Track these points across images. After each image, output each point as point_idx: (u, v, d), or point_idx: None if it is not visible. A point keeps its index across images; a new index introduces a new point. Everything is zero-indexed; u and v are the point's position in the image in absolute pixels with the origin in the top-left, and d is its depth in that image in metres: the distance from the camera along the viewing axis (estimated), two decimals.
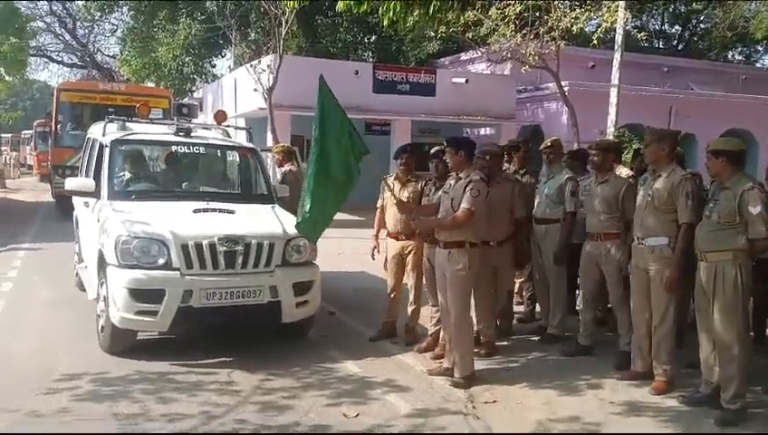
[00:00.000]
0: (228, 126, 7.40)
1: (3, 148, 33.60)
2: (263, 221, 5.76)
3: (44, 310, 6.72)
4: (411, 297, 5.95)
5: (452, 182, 5.01)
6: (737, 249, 4.19)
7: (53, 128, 15.09)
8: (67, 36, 31.33)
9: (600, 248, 5.31)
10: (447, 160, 5.07)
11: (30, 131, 32.00)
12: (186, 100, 20.56)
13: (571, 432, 3.84)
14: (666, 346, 4.73)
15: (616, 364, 5.25)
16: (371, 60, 21.92)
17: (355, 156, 5.02)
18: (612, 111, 15.27)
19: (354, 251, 10.55)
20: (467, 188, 4.82)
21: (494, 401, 4.65)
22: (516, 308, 6.82)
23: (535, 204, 6.10)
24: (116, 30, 30.28)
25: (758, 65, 29.53)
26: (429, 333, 5.73)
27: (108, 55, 32.99)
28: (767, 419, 4.28)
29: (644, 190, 4.82)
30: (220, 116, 7.07)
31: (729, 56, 28.76)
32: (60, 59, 32.79)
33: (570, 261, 5.82)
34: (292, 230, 5.52)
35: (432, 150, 5.41)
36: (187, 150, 6.59)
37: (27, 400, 4.37)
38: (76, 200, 7.36)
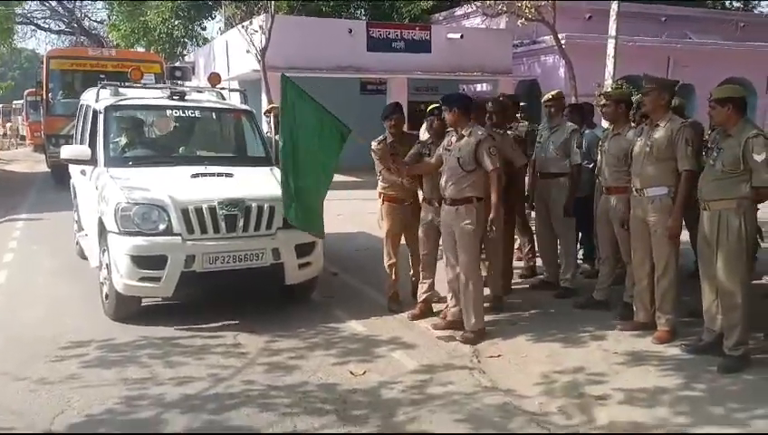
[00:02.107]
0: (222, 88, 7.30)
1: None
2: (262, 184, 5.72)
3: (47, 279, 6.73)
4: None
5: (453, 139, 4.96)
6: (741, 197, 4.17)
7: (44, 97, 14.88)
8: (53, 2, 30.73)
9: (609, 202, 5.29)
10: (445, 118, 5.01)
11: (21, 101, 31.61)
12: (186, 65, 20.27)
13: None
14: (668, 296, 4.75)
15: (620, 316, 5.29)
16: (364, 18, 21.55)
17: (341, 137, 5.19)
18: (610, 63, 15.07)
19: (353, 212, 10.57)
20: (483, 151, 4.80)
21: (499, 356, 4.70)
22: (516, 264, 6.83)
23: (538, 158, 6.06)
24: None
25: (756, 12, 29.05)
26: (420, 299, 5.62)
27: (95, 21, 32.44)
28: None
29: (642, 140, 4.78)
30: (214, 78, 6.96)
31: (727, 4, 28.29)
32: (47, 26, 32.22)
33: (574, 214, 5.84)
34: None
35: (428, 108, 5.33)
36: (182, 114, 6.51)
37: (36, 367, 4.39)
38: (73, 169, 7.30)
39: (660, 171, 4.64)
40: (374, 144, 5.64)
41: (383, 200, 5.74)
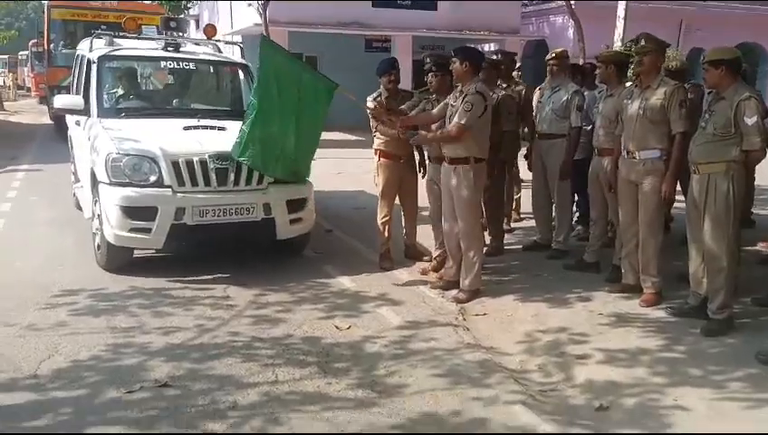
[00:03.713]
0: (218, 41, 7.21)
1: (1, 70, 33.03)
2: None
3: (43, 229, 6.77)
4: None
5: (457, 94, 4.90)
6: (731, 160, 4.12)
7: (46, 47, 14.77)
8: None
9: (601, 164, 5.25)
10: (453, 70, 4.90)
11: (26, 52, 31.37)
12: (181, 17, 19.99)
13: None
14: (654, 259, 4.74)
15: (608, 278, 5.30)
16: None
17: (328, 92, 5.23)
18: (620, 24, 14.78)
19: (354, 171, 10.54)
20: (462, 102, 4.74)
21: (485, 314, 4.74)
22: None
23: (538, 118, 6.01)
24: None
25: None
26: (435, 256, 5.71)
27: None
28: (754, 329, 4.33)
29: (634, 103, 4.70)
30: (209, 30, 6.88)
31: None
32: None
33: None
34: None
35: (425, 65, 5.24)
36: (176, 66, 6.46)
37: (26, 314, 4.46)
38: (69, 120, 7.29)
39: (653, 134, 4.58)
40: (369, 101, 5.59)
41: (379, 157, 5.71)
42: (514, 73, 7.25)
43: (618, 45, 14.61)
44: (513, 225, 7.09)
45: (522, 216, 7.46)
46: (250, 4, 14.36)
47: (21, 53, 35.38)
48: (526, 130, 6.44)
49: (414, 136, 5.26)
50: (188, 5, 23.62)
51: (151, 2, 22.02)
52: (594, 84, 6.91)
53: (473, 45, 17.50)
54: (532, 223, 6.65)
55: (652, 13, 16.73)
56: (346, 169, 10.54)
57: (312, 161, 5.55)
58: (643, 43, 4.62)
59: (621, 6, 14.60)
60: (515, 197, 7.35)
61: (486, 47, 18.69)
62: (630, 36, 14.93)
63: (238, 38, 16.32)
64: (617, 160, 4.89)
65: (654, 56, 4.61)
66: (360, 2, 15.29)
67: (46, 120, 16.87)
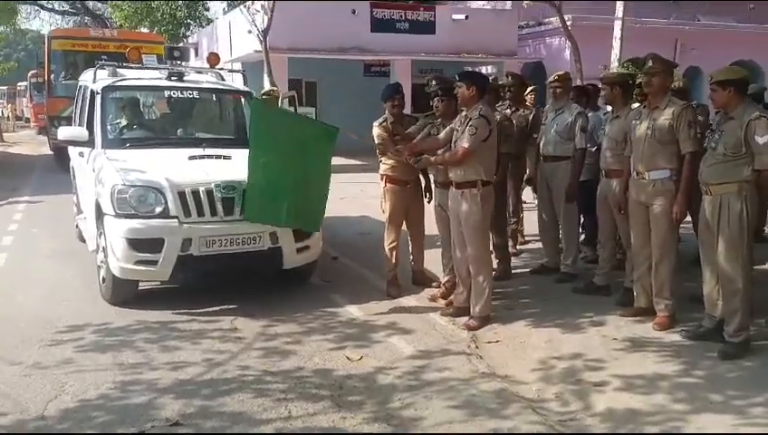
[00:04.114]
0: (222, 69, 7.22)
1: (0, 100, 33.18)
2: None
3: (46, 262, 6.71)
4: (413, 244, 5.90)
5: (462, 119, 4.88)
6: (743, 181, 4.09)
7: (46, 78, 14.81)
8: None
9: (609, 186, 5.21)
10: (458, 95, 4.88)
11: (25, 83, 31.52)
12: (185, 45, 20.15)
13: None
14: (667, 282, 4.69)
15: (619, 301, 5.24)
16: None
17: (329, 137, 5.31)
18: (616, 44, 14.88)
19: (357, 196, 10.51)
20: (467, 126, 4.73)
21: (497, 341, 4.67)
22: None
23: (543, 140, 5.99)
24: None
25: None
26: (444, 282, 5.64)
27: (99, 1, 32.19)
28: None
29: (642, 123, 4.68)
30: (213, 59, 6.89)
31: None
32: (51, 6, 32.04)
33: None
34: None
35: (431, 89, 5.22)
36: (180, 95, 6.44)
37: (31, 351, 4.38)
38: (72, 150, 7.26)
39: (662, 154, 4.55)
40: (375, 127, 5.57)
41: (385, 182, 5.68)
42: (528, 97, 7.27)
43: (615, 65, 14.71)
44: (518, 247, 7.03)
45: (526, 238, 7.40)
46: (250, 32, 14.44)
47: (19, 83, 35.57)
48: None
49: (419, 160, 5.24)
50: (187, 33, 23.85)
51: (149, 31, 22.24)
52: (597, 106, 6.93)
53: (473, 68, 17.59)
54: (537, 245, 6.60)
55: (648, 32, 16.85)
56: (348, 193, 10.52)
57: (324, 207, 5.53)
58: (651, 63, 4.60)
59: (617, 26, 14.72)
60: (512, 227, 7.02)
61: (484, 70, 18.84)
62: (627, 56, 15.14)
63: (238, 65, 16.40)
64: (627, 182, 4.85)
65: (662, 77, 4.60)
66: (359, 27, 15.39)
67: (45, 150, 16.88)
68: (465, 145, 4.71)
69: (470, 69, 5.43)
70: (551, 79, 6.05)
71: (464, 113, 4.89)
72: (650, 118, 4.59)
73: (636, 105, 5.45)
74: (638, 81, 5.75)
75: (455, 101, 5.06)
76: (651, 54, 4.64)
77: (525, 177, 6.78)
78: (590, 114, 6.29)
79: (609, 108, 5.58)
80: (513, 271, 6.21)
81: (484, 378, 4.06)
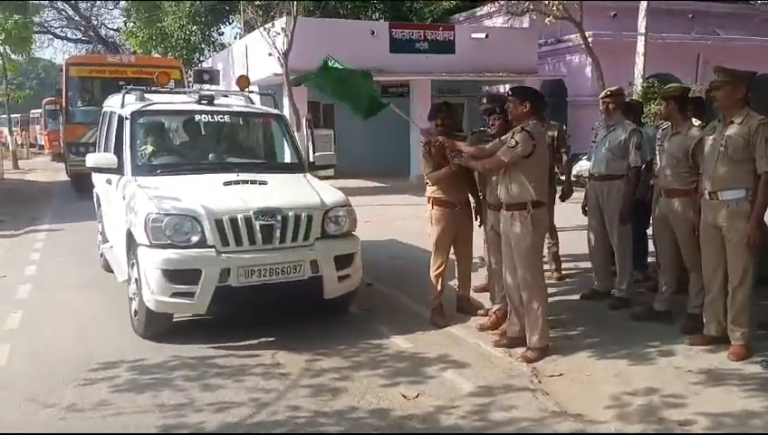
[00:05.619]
0: (251, 92, 7.00)
1: (14, 128, 33.28)
2: (298, 191, 5.41)
3: (72, 293, 6.44)
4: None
5: (510, 135, 4.62)
6: None
7: (64, 104, 14.72)
8: (70, 11, 30.78)
9: (670, 206, 4.91)
10: (509, 110, 4.64)
11: (39, 110, 31.66)
12: (215, 68, 20.12)
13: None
14: (746, 309, 4.36)
15: (683, 328, 4.90)
16: (382, 20, 21.23)
17: (379, 104, 5.86)
18: (640, 60, 14.71)
19: (381, 219, 10.24)
20: (509, 139, 4.52)
21: (561, 374, 4.33)
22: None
23: (593, 159, 5.71)
24: (118, 1, 29.73)
25: None
26: (494, 310, 5.32)
27: (112, 29, 32.47)
28: None
29: (714, 139, 4.39)
30: (242, 81, 6.67)
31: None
32: (64, 35, 32.30)
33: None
34: (330, 200, 5.26)
35: (483, 107, 4.96)
36: (211, 119, 6.19)
37: (65, 392, 4.10)
38: (96, 177, 7.04)
39: (736, 173, 4.25)
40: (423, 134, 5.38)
41: (432, 205, 5.40)
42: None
43: (639, 81, 14.49)
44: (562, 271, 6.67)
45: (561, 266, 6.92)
46: (270, 54, 14.29)
47: (33, 111, 35.76)
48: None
49: (459, 156, 4.96)
50: (201, 59, 23.85)
51: (163, 57, 22.24)
52: (641, 121, 6.65)
53: (488, 88, 17.34)
54: (574, 265, 6.23)
55: (668, 47, 16.63)
56: (373, 217, 10.25)
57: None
58: (717, 76, 4.32)
59: (640, 42, 14.54)
60: (553, 250, 6.59)
61: (503, 88, 18.64)
62: (649, 72, 14.90)
63: (255, 88, 16.25)
64: (699, 202, 4.55)
65: (729, 90, 4.31)
66: (378, 48, 15.22)
67: (62, 177, 16.77)
68: (502, 157, 4.51)
69: (528, 86, 5.16)
70: (603, 94, 5.78)
71: (513, 130, 4.64)
72: (723, 133, 4.30)
73: (697, 122, 5.18)
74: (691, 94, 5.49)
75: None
76: (719, 67, 4.36)
77: (558, 195, 6.48)
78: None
79: (666, 123, 5.29)
80: (559, 296, 5.89)
81: (555, 417, 3.73)
